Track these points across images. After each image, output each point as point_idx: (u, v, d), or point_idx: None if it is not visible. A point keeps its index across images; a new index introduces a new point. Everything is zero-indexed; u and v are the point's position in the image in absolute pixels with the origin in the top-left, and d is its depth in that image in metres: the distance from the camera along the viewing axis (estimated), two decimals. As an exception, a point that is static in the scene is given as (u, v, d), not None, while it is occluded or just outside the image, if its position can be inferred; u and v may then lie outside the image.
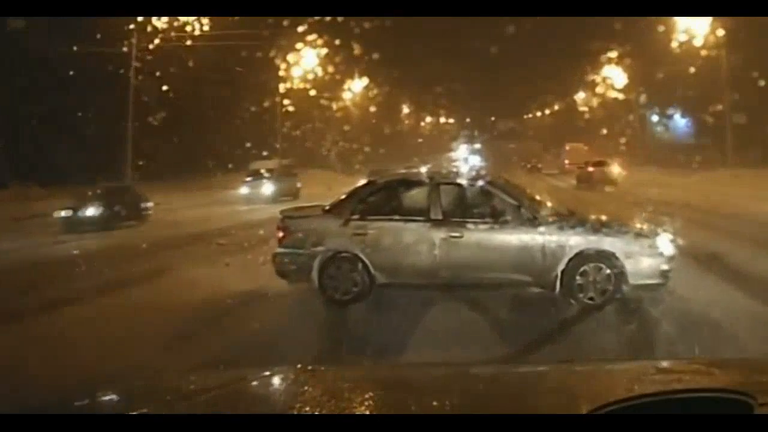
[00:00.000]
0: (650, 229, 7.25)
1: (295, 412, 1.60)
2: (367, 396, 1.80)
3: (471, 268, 7.04)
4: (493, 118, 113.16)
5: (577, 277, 6.77)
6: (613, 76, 54.46)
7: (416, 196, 7.46)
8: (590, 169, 26.60)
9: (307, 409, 1.66)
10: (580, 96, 73.91)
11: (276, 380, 1.95)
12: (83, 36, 25.83)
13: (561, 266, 6.81)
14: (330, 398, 1.76)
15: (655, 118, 54.93)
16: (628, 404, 1.34)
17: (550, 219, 7.09)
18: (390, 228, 7.23)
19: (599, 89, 60.88)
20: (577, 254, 6.81)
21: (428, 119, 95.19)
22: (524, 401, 1.71)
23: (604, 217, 7.90)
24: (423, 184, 7.52)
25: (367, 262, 7.12)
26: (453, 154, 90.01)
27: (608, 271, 6.77)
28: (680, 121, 51.32)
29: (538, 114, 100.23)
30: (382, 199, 7.62)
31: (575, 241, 6.88)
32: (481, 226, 7.11)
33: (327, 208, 7.71)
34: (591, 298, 6.75)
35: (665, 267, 6.82)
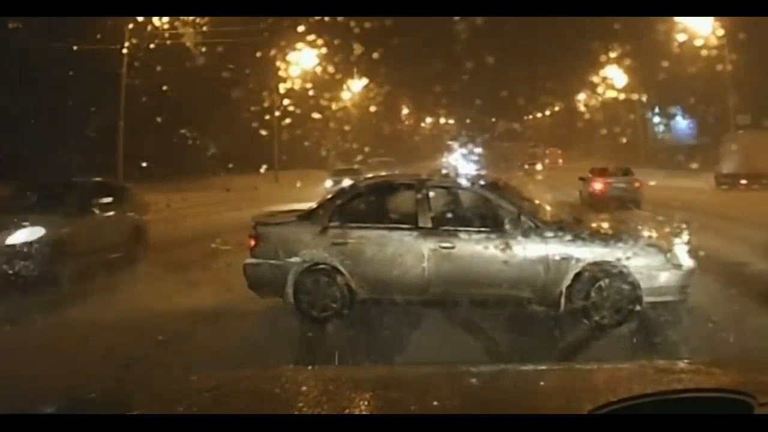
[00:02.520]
0: (666, 240, 6.47)
1: (295, 412, 1.60)
2: (366, 396, 1.80)
3: (464, 283, 6.27)
4: (493, 119, 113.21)
5: (585, 294, 6.04)
6: (614, 76, 54.47)
7: (403, 201, 6.73)
8: (526, 166, 46.13)
9: (307, 409, 1.66)
10: (580, 97, 73.98)
11: (276, 380, 1.95)
12: (78, 34, 25.76)
13: (566, 282, 6.07)
14: (330, 398, 1.76)
15: (656, 119, 54.97)
16: (628, 404, 1.34)
17: (554, 228, 6.35)
18: (373, 237, 6.49)
19: (599, 89, 60.86)
20: (583, 268, 6.07)
21: (428, 120, 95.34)
22: (524, 401, 1.71)
23: (614, 227, 7.10)
24: (410, 187, 6.74)
25: (346, 275, 6.41)
26: (452, 155, 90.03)
27: (620, 287, 6.03)
28: (682, 122, 51.36)
29: (539, 115, 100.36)
30: (364, 204, 6.92)
31: (582, 253, 6.11)
32: (476, 236, 6.31)
33: (303, 214, 7.00)
34: (602, 318, 6.02)
35: (684, 282, 6.11)
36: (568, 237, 6.27)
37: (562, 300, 6.10)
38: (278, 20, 32.49)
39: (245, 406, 1.68)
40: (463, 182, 7.37)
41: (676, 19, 35.22)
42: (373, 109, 61.54)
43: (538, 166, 47.73)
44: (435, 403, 1.67)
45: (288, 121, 42.03)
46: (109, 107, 28.80)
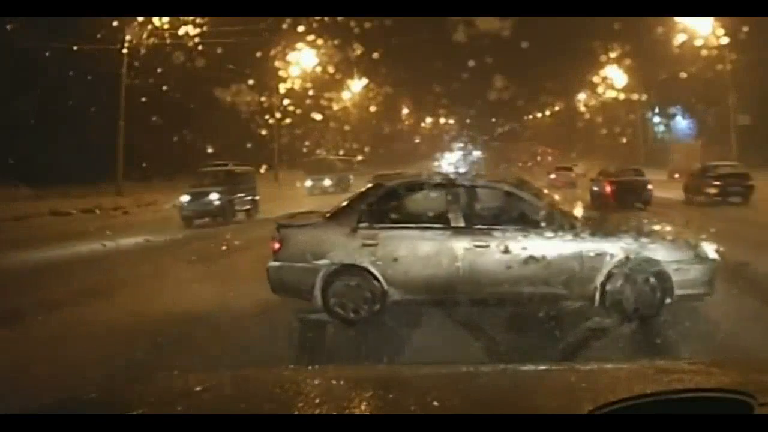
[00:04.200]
0: (694, 235, 6.66)
1: (295, 412, 1.60)
2: (366, 396, 1.80)
3: (499, 282, 6.23)
4: (493, 119, 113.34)
5: (620, 289, 6.14)
6: (614, 76, 54.41)
7: (433, 200, 6.67)
8: (519, 164, 60.27)
9: (307, 409, 1.66)
10: (580, 97, 73.94)
11: (276, 380, 1.95)
12: (78, 34, 25.72)
13: (601, 277, 6.14)
14: (330, 398, 1.75)
15: (656, 119, 54.96)
16: (628, 404, 1.34)
17: (587, 224, 6.46)
18: (405, 237, 6.42)
19: (599, 89, 60.82)
20: (618, 263, 6.15)
21: (428, 120, 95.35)
22: (524, 401, 1.71)
23: (644, 223, 7.20)
24: (440, 187, 6.71)
25: (378, 276, 6.32)
26: (452, 154, 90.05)
27: (653, 281, 6.13)
28: (681, 122, 51.33)
29: (539, 115, 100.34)
30: (394, 204, 6.81)
31: (615, 248, 6.20)
32: (510, 234, 6.30)
33: (328, 215, 6.90)
34: (636, 311, 6.11)
35: (711, 275, 6.25)
36: (602, 233, 6.37)
37: (597, 295, 6.17)
38: (278, 20, 32.43)
39: (245, 406, 1.68)
40: (494, 181, 7.38)
41: (676, 19, 35.19)
42: (372, 109, 61.52)
43: (529, 163, 64.08)
44: (435, 403, 1.67)
45: (288, 121, 42.02)
46: (109, 107, 28.77)
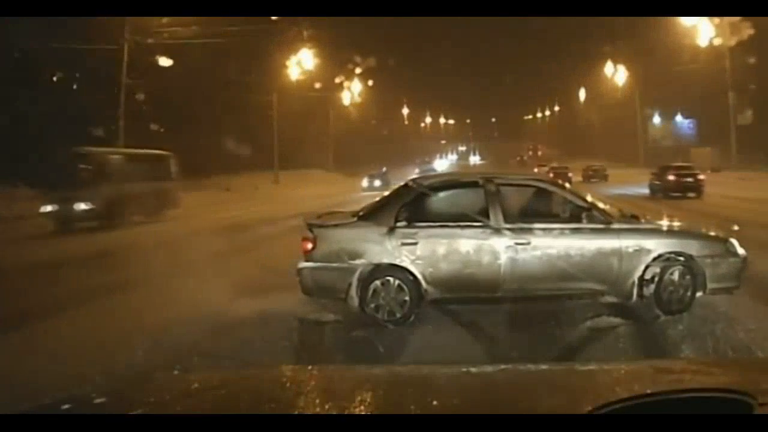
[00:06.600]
0: (724, 231, 6.90)
1: (296, 412, 1.60)
2: (367, 396, 1.79)
3: (540, 279, 6.32)
4: (493, 119, 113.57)
5: (657, 284, 6.32)
6: (613, 76, 54.34)
7: (471, 199, 6.60)
8: (518, 159, 78.66)
9: (307, 409, 1.66)
10: (580, 97, 73.93)
11: (276, 380, 1.95)
12: (78, 34, 25.67)
13: (638, 272, 6.32)
14: (330, 398, 1.76)
15: (656, 119, 54.94)
16: (628, 404, 1.34)
17: (624, 221, 6.61)
18: (445, 235, 6.37)
19: (599, 90, 60.72)
20: (655, 259, 6.34)
21: (428, 120, 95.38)
22: (524, 401, 1.71)
23: (677, 220, 7.36)
24: (477, 185, 6.65)
25: (418, 275, 6.30)
26: (451, 155, 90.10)
27: (687, 275, 6.35)
28: (682, 123, 51.30)
29: (539, 115, 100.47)
30: (431, 203, 6.73)
31: (652, 244, 6.37)
32: (549, 231, 6.38)
33: (361, 214, 6.78)
34: (670, 304, 6.32)
35: (740, 269, 6.49)
36: (639, 229, 6.54)
37: (634, 290, 6.35)
38: (278, 20, 32.43)
39: (245, 406, 1.68)
40: (532, 179, 7.43)
41: (677, 19, 35.20)
42: (372, 109, 61.56)
43: (525, 158, 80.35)
44: (435, 403, 1.67)
45: (288, 121, 42.01)
46: (109, 107, 28.77)
